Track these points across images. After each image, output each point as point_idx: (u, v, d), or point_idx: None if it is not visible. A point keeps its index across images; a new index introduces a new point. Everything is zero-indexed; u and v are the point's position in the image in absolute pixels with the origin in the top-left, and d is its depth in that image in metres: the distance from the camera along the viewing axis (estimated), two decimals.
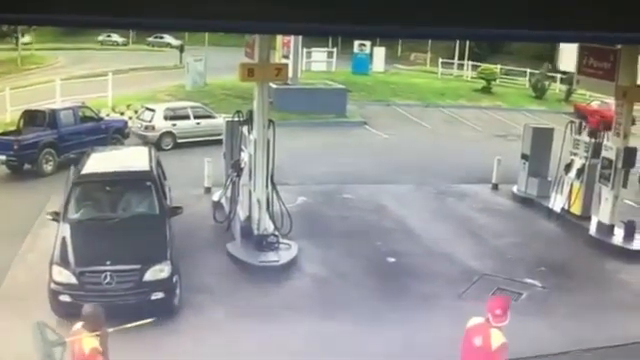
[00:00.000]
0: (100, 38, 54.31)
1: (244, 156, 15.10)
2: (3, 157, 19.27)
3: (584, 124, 18.33)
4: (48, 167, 19.76)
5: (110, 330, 7.92)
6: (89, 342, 7.64)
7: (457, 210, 17.89)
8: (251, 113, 14.55)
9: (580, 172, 16.73)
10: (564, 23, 1.81)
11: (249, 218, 14.40)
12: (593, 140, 16.61)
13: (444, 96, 36.42)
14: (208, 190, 17.81)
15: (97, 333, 7.73)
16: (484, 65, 41.83)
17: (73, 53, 44.09)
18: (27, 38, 45.41)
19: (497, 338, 7.36)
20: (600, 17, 1.79)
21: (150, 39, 55.12)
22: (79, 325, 7.85)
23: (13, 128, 21.03)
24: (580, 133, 17.19)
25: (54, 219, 12.38)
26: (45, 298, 11.25)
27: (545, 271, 14.01)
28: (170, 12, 1.77)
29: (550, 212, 17.37)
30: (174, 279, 11.58)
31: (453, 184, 19.89)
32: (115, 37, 54.80)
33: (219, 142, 18.54)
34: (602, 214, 16.00)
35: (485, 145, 25.33)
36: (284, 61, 26.85)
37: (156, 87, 31.36)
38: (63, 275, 11.15)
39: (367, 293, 12.63)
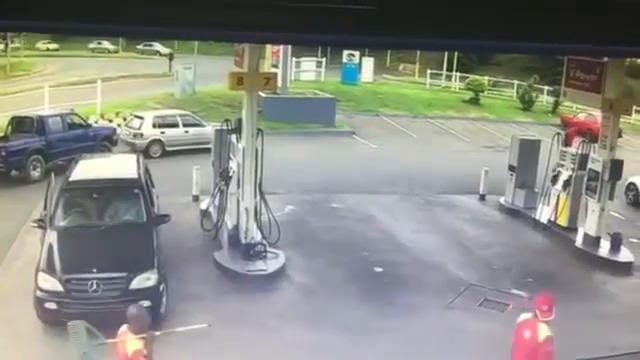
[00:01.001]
0: (91, 45, 54.16)
1: (232, 165, 15.09)
2: None
3: (562, 136, 18.46)
4: (36, 173, 19.66)
5: (157, 333, 7.85)
6: (133, 344, 7.62)
7: (444, 220, 17.93)
8: (240, 122, 14.56)
9: (567, 184, 16.82)
10: (553, 36, 1.83)
11: (237, 227, 14.38)
12: (563, 149, 16.79)
13: (432, 107, 36.54)
14: (196, 198, 17.76)
15: (142, 335, 7.66)
16: (472, 76, 42.02)
17: (62, 60, 43.94)
18: (16, 44, 45.32)
19: (543, 331, 8.34)
20: (587, 30, 1.82)
21: (139, 47, 55.03)
22: (124, 327, 7.77)
23: (1, 134, 20.91)
24: (566, 145, 17.31)
25: (39, 226, 12.31)
26: (31, 305, 11.18)
27: (532, 282, 14.06)
28: (159, 20, 1.78)
29: (537, 223, 17.44)
30: (161, 287, 11.54)
31: (440, 194, 19.94)
32: (106, 44, 54.67)
33: (208, 150, 18.50)
34: (588, 226, 16.08)
35: (473, 156, 25.41)
36: (273, 70, 26.87)
37: (145, 95, 31.27)
38: (49, 282, 11.10)
39: (354, 302, 12.63)
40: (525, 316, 8.62)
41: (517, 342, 8.61)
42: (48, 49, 49.39)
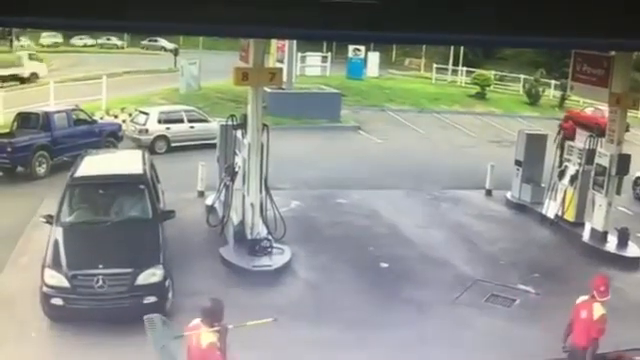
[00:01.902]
0: (100, 41, 54.33)
1: (238, 160, 15.07)
2: None
3: (561, 132, 18.40)
4: (41, 170, 19.70)
5: (230, 326, 7.85)
6: (207, 337, 7.62)
7: (450, 216, 17.90)
8: (245, 117, 14.54)
9: (574, 179, 16.75)
10: (561, 30, 1.80)
11: (242, 222, 14.36)
12: (570, 144, 16.78)
13: (438, 101, 36.46)
14: (201, 194, 17.77)
15: (216, 328, 7.67)
16: (478, 71, 41.93)
17: (67, 56, 44.03)
18: (22, 41, 45.53)
19: (598, 310, 8.91)
20: (595, 25, 1.79)
21: (144, 42, 55.09)
22: (198, 320, 7.78)
23: (6, 130, 20.95)
24: (565, 139, 17.28)
25: (47, 222, 12.33)
26: (37, 301, 11.20)
27: (538, 277, 14.02)
28: (164, 15, 1.76)
29: (543, 218, 17.39)
30: (166, 283, 11.55)
31: (447, 190, 19.90)
32: (115, 40, 54.84)
33: (213, 146, 18.51)
34: (595, 221, 16.01)
35: (479, 151, 25.36)
36: (278, 65, 26.83)
37: (150, 90, 31.30)
38: (55, 278, 11.11)
39: (360, 298, 12.61)
40: (582, 298, 9.18)
41: (575, 322, 9.21)
42: (56, 43, 49.82)
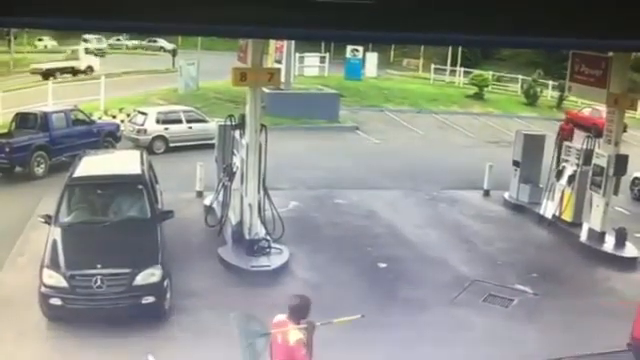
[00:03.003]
0: (110, 41, 54.03)
1: (236, 160, 15.09)
2: None
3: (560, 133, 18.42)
4: (39, 170, 19.69)
5: (318, 324, 7.82)
6: (295, 333, 7.60)
7: (448, 216, 17.92)
8: (243, 117, 14.55)
9: (571, 179, 16.78)
10: (559, 30, 1.82)
11: (241, 222, 14.37)
12: (568, 144, 16.84)
13: (436, 102, 36.47)
14: (200, 194, 17.77)
15: (304, 325, 7.64)
16: (476, 71, 41.92)
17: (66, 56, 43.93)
18: (19, 40, 45.45)
19: None
20: (593, 25, 1.80)
21: (143, 42, 54.97)
22: (283, 316, 7.77)
23: (5, 131, 20.94)
24: (562, 138, 17.32)
25: (46, 222, 12.33)
26: (36, 301, 11.21)
27: (536, 277, 14.05)
28: (164, 16, 1.77)
29: (541, 219, 17.41)
30: (165, 283, 11.56)
31: (445, 190, 19.91)
32: (124, 40, 54.58)
33: (211, 146, 18.51)
34: (593, 221, 16.04)
35: (477, 151, 25.37)
36: (277, 66, 26.84)
37: (149, 91, 31.27)
38: (53, 278, 11.13)
39: (358, 298, 12.62)
40: None
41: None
42: (46, 47, 49.68)
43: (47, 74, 32.37)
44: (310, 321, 7.73)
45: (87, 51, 37.72)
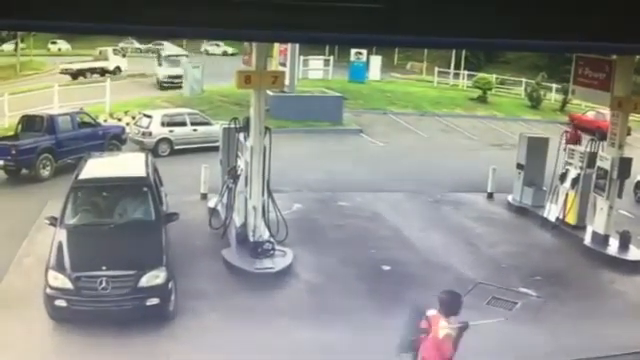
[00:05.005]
0: (121, 44, 53.97)
1: (240, 163, 15.12)
2: (1, 162, 19.24)
3: (564, 138, 18.31)
4: (45, 172, 19.74)
5: (470, 323, 7.95)
6: (445, 328, 7.77)
7: (452, 219, 17.91)
8: (248, 120, 14.59)
9: (575, 182, 16.77)
10: (563, 33, 1.84)
11: (245, 225, 14.41)
12: (571, 147, 16.85)
13: (440, 105, 36.44)
14: (204, 196, 17.78)
15: (459, 325, 7.88)
16: (480, 74, 41.87)
17: (72, 59, 44.02)
18: (26, 43, 45.56)
19: None
20: (597, 28, 1.83)
21: (149, 45, 54.98)
22: (434, 311, 7.93)
23: (11, 133, 21.01)
24: (567, 142, 17.29)
25: (51, 224, 12.39)
26: (41, 303, 11.26)
27: (540, 280, 14.04)
28: (169, 19, 1.80)
29: (545, 222, 17.39)
30: (169, 285, 11.60)
31: (448, 192, 19.91)
32: (136, 44, 54.45)
33: (216, 149, 18.54)
34: (597, 224, 16.03)
35: (480, 154, 25.35)
36: (281, 69, 26.85)
37: (154, 94, 31.35)
38: (59, 280, 11.18)
39: (362, 301, 12.65)
40: None
41: None
42: (60, 50, 49.81)
43: (77, 74, 32.85)
44: (465, 321, 7.94)
45: (115, 52, 38.10)
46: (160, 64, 34.03)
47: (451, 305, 7.94)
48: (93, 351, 10.51)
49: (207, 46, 35.96)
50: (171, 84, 32.46)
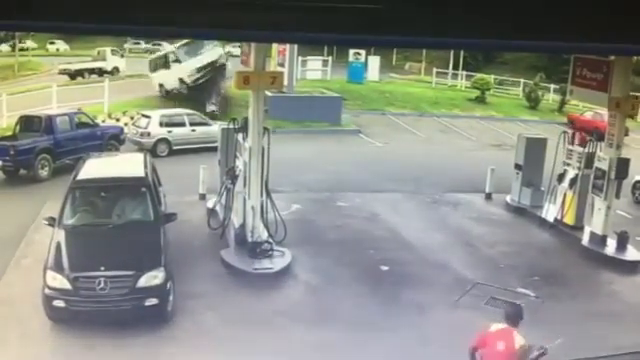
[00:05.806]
0: (127, 45, 53.91)
1: (239, 163, 15.13)
2: None
3: (568, 137, 18.32)
4: (44, 172, 19.76)
5: (553, 344, 8.32)
6: (520, 339, 8.04)
7: (450, 219, 17.94)
8: (246, 121, 14.60)
9: (573, 182, 16.80)
10: (561, 34, 1.85)
11: (243, 225, 14.42)
12: (569, 148, 16.90)
13: (438, 105, 36.50)
14: (203, 197, 17.80)
15: (542, 351, 8.15)
16: (478, 75, 41.93)
17: (70, 59, 44.03)
18: (24, 43, 45.57)
19: None
20: (595, 28, 1.83)
21: (148, 46, 54.95)
22: (500, 325, 8.27)
23: (9, 133, 21.02)
24: (573, 143, 17.30)
25: (50, 224, 12.39)
26: (39, 303, 11.26)
27: (538, 281, 14.07)
28: (165, 20, 1.80)
29: (543, 222, 17.42)
30: (168, 285, 11.61)
31: (447, 193, 19.94)
32: (143, 44, 54.34)
33: (214, 149, 18.56)
34: (595, 224, 16.05)
35: (479, 154, 25.39)
36: (279, 69, 26.89)
37: (152, 94, 31.34)
38: (57, 280, 11.18)
39: (360, 301, 12.66)
40: None
41: None
42: (58, 50, 49.77)
43: (75, 75, 32.98)
44: (544, 346, 8.27)
45: (113, 52, 38.09)
46: (168, 67, 30.74)
47: (516, 316, 8.30)
48: (91, 351, 10.51)
49: (229, 47, 35.23)
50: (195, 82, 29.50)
